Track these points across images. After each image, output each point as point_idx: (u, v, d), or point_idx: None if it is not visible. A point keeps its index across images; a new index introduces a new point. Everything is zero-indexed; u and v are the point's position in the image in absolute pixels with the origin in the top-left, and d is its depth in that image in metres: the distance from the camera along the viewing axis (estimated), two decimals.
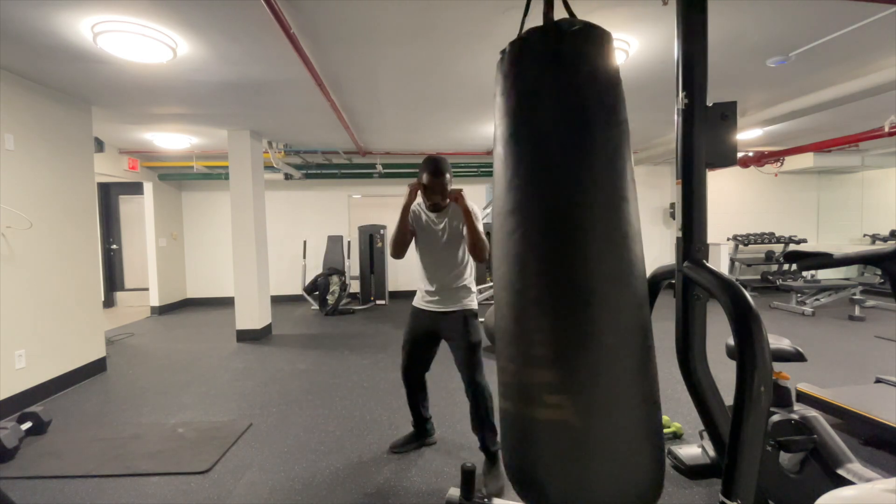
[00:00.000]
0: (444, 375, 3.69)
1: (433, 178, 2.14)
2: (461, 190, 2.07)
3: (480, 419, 2.18)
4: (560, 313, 0.84)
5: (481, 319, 5.33)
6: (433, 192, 2.15)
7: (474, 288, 2.31)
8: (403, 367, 2.38)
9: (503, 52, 1.03)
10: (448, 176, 2.17)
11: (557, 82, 0.91)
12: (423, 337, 2.31)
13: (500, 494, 2.01)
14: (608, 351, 0.81)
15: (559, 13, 1.08)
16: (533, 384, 0.83)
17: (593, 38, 0.94)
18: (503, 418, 0.95)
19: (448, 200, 2.20)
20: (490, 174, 7.24)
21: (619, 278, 0.86)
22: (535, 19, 1.07)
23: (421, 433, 2.53)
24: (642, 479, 0.80)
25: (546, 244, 0.87)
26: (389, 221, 7.66)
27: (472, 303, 2.27)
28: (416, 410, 2.47)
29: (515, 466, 0.88)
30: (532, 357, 0.84)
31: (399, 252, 2.23)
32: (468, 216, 2.07)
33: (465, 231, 2.14)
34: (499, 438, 2.16)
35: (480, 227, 2.11)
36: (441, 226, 2.23)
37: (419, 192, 2.17)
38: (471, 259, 2.25)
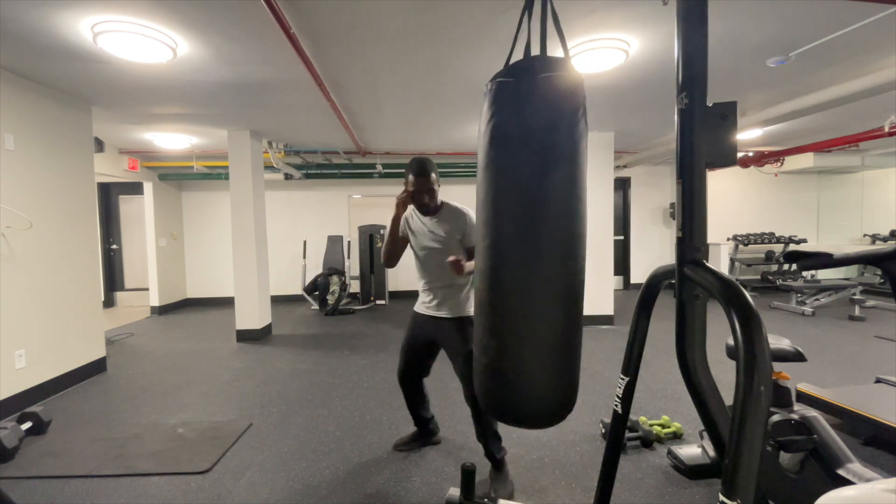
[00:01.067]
0: (444, 376, 3.69)
1: (418, 178, 2.09)
2: (460, 260, 1.97)
3: (483, 427, 2.12)
4: (503, 309, 1.15)
5: None
6: (420, 195, 2.10)
7: (469, 293, 2.22)
8: (400, 370, 2.35)
9: (488, 84, 1.18)
10: (434, 176, 2.12)
11: (525, 124, 1.09)
12: (421, 343, 2.27)
13: (509, 498, 2.00)
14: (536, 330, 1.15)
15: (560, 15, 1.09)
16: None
17: (562, 86, 1.11)
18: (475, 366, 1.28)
19: (439, 203, 2.17)
20: None
21: (557, 279, 1.12)
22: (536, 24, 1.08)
23: (424, 432, 2.51)
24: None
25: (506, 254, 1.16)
26: (389, 221, 7.65)
27: (470, 309, 2.16)
28: (416, 413, 2.45)
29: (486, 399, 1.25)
30: (493, 332, 1.19)
31: (390, 262, 2.24)
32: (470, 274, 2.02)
33: (462, 245, 2.13)
34: (503, 444, 2.16)
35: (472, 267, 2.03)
36: (435, 230, 2.17)
37: (407, 200, 2.13)
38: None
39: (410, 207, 2.23)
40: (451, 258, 1.97)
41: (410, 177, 2.10)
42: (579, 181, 1.13)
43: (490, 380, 1.20)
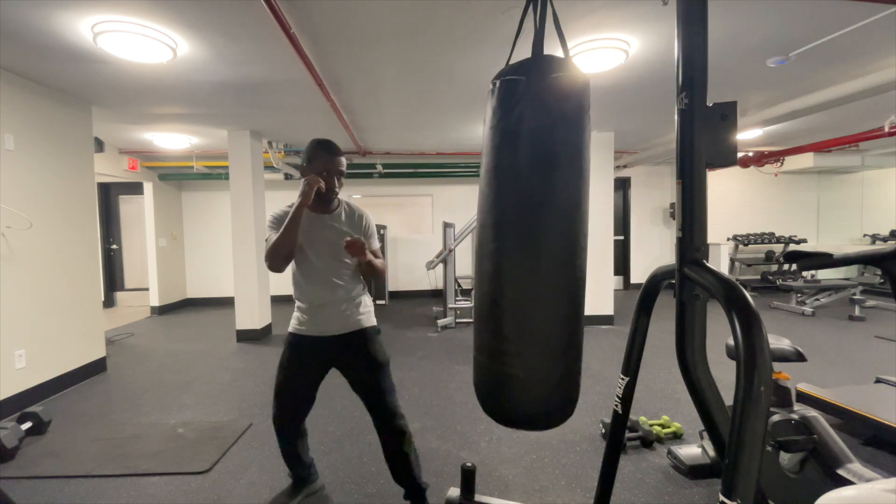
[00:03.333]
0: (443, 376, 3.69)
1: (334, 157, 1.76)
2: (361, 242, 1.71)
3: (413, 457, 1.85)
4: (514, 310, 1.14)
5: None
6: (332, 178, 1.76)
7: (369, 301, 1.95)
8: (281, 414, 1.88)
9: (493, 83, 1.17)
10: (343, 159, 1.80)
11: (532, 124, 1.09)
12: (315, 370, 1.87)
13: None
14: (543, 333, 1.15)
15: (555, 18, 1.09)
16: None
17: (571, 86, 1.11)
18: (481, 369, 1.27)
19: (337, 197, 1.84)
20: None
21: (560, 284, 1.13)
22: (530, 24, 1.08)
23: (306, 478, 2.08)
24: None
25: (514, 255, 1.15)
26: (390, 221, 7.67)
27: (371, 318, 1.90)
28: (298, 460, 2.00)
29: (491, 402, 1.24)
30: (496, 334, 1.18)
31: (282, 264, 1.75)
32: (371, 265, 1.79)
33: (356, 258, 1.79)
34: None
35: (378, 261, 1.83)
36: (337, 228, 1.82)
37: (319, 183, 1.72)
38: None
39: (290, 203, 1.81)
40: (348, 238, 1.70)
41: (324, 154, 1.75)
42: (585, 183, 1.13)
43: (493, 383, 1.20)
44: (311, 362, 1.87)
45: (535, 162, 1.09)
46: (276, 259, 1.73)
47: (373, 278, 1.91)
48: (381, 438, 1.85)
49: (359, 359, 1.84)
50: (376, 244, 1.93)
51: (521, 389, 1.15)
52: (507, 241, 1.14)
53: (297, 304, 1.91)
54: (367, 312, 1.90)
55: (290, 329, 1.92)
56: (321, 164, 1.75)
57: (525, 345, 1.14)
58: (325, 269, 1.82)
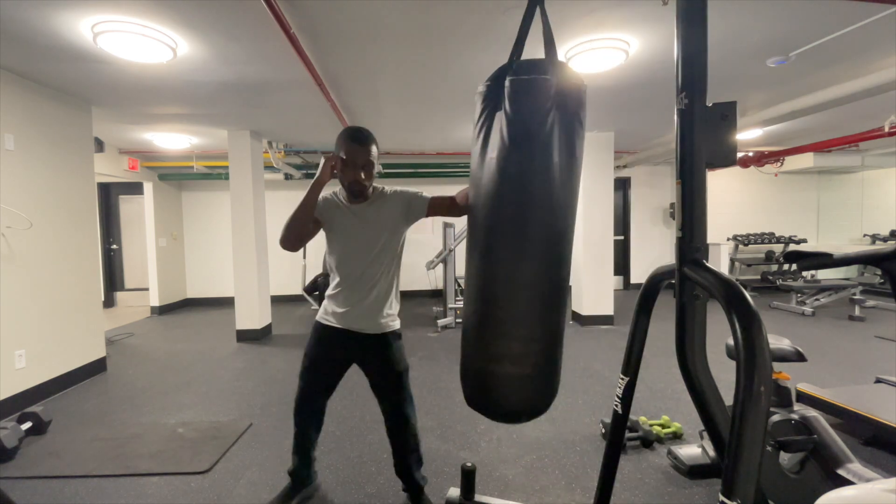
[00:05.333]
0: (443, 376, 3.69)
1: (357, 146, 1.66)
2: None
3: (417, 444, 1.92)
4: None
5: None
6: (356, 168, 1.67)
7: (398, 304, 1.90)
8: (302, 392, 1.92)
9: (486, 83, 1.23)
10: (375, 149, 1.71)
11: (527, 123, 1.14)
12: (332, 360, 1.88)
13: None
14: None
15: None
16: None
17: (563, 86, 1.16)
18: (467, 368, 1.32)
19: (371, 187, 1.76)
20: None
21: (545, 273, 1.20)
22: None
23: (302, 482, 2.04)
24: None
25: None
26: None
27: (396, 323, 1.87)
28: (306, 452, 1.99)
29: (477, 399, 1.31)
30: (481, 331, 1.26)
31: (295, 242, 1.71)
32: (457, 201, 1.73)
33: (406, 223, 1.79)
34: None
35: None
36: (368, 217, 1.76)
37: (335, 170, 1.69)
38: (398, 271, 1.85)
39: (334, 190, 1.82)
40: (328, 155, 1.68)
41: (346, 143, 1.67)
42: (577, 180, 1.19)
43: (480, 377, 1.26)
44: (333, 353, 1.87)
45: (561, 163, 1.14)
46: (289, 237, 1.70)
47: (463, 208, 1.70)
48: (390, 441, 1.92)
49: (378, 363, 1.85)
50: (427, 196, 1.83)
51: (509, 383, 1.21)
52: (503, 240, 1.19)
53: (329, 294, 1.87)
54: (391, 316, 1.86)
55: (318, 318, 1.90)
56: (345, 150, 1.69)
57: (510, 339, 1.19)
58: (358, 262, 1.77)
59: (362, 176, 1.70)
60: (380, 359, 1.84)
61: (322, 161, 1.69)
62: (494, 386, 1.24)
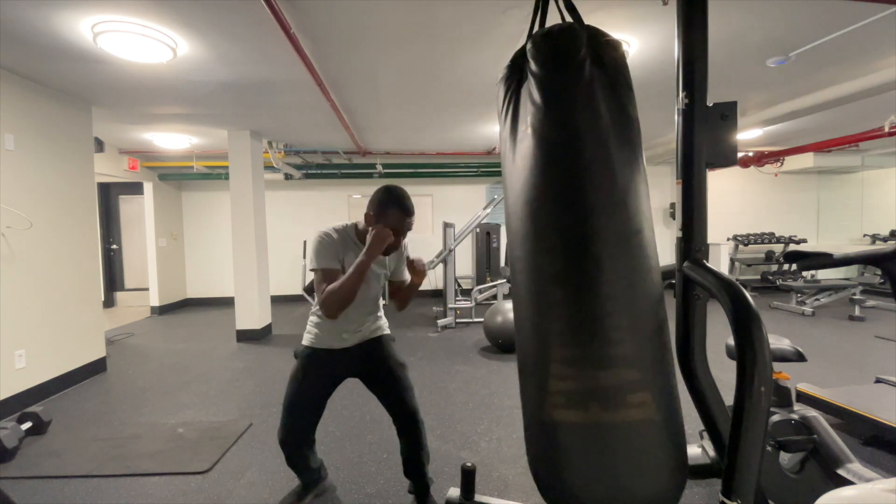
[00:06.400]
0: (443, 376, 3.69)
1: (406, 216, 1.68)
2: (422, 263, 1.79)
3: (424, 446, 1.90)
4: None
5: (479, 319, 5.34)
6: (398, 234, 1.70)
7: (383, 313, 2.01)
8: (292, 428, 1.82)
9: (527, 45, 1.04)
10: (413, 218, 1.75)
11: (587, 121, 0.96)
12: (323, 384, 1.86)
13: None
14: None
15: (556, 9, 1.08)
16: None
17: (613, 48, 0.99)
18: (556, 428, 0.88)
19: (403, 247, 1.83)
20: (491, 174, 7.23)
21: (634, 290, 0.92)
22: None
23: (313, 483, 2.06)
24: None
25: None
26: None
27: (387, 327, 1.99)
28: (305, 468, 1.97)
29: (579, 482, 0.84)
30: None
31: (340, 312, 1.65)
32: (417, 283, 1.83)
33: (397, 283, 1.92)
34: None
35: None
36: (384, 269, 1.87)
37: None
38: None
39: (342, 224, 1.81)
40: (413, 258, 1.78)
41: (399, 212, 1.65)
42: (636, 146, 1.04)
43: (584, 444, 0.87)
44: (326, 375, 1.85)
45: (613, 120, 0.96)
46: (335, 309, 1.63)
47: (408, 298, 1.94)
48: (401, 438, 1.89)
49: (380, 363, 1.87)
50: (401, 273, 1.96)
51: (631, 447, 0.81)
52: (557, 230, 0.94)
53: (318, 320, 1.84)
54: (384, 322, 1.98)
55: (307, 343, 1.86)
56: (392, 221, 1.65)
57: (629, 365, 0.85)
58: (360, 303, 1.76)
59: (402, 242, 1.78)
60: (380, 358, 1.88)
61: (372, 234, 1.61)
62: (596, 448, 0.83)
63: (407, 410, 1.85)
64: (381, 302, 1.98)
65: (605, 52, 0.96)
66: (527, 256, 0.96)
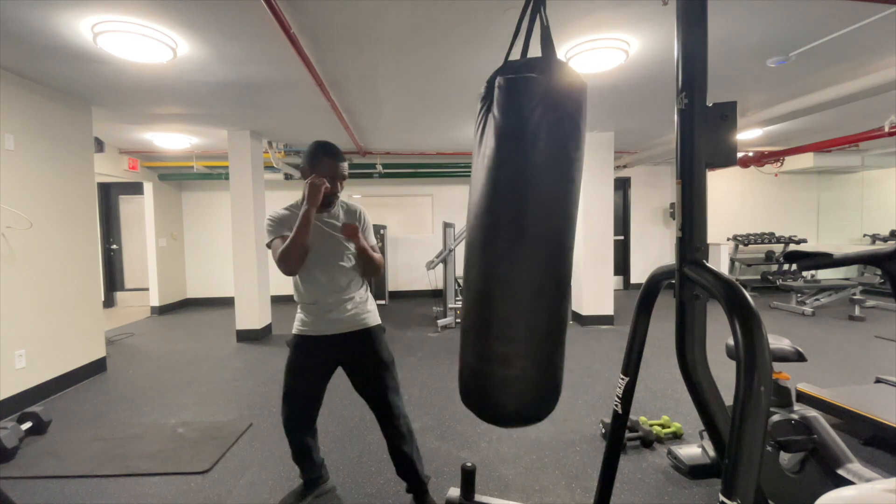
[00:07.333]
0: (443, 376, 3.69)
1: (339, 162, 1.79)
2: (355, 225, 1.82)
3: (414, 448, 1.92)
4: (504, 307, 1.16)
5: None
6: (333, 181, 1.79)
7: (373, 301, 2.00)
8: (288, 417, 1.89)
9: (495, 82, 1.16)
10: (346, 164, 1.85)
11: (548, 122, 1.10)
12: (315, 371, 1.88)
13: None
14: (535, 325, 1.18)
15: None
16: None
17: (571, 85, 1.12)
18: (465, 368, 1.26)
19: (339, 195, 1.86)
20: None
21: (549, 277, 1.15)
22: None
23: (315, 482, 2.06)
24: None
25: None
26: (390, 221, 7.67)
27: (377, 317, 1.97)
28: (310, 461, 1.99)
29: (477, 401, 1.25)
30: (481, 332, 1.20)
31: (297, 266, 1.73)
32: (365, 252, 1.83)
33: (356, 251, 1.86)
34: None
35: (375, 254, 1.88)
36: (334, 228, 1.85)
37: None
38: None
39: (288, 204, 1.90)
40: (345, 222, 1.80)
41: (328, 159, 1.78)
42: (571, 180, 1.14)
43: (479, 380, 1.20)
44: (317, 362, 1.89)
45: (550, 161, 1.10)
46: (291, 261, 1.71)
47: (372, 272, 1.93)
48: (384, 435, 1.91)
49: (364, 357, 1.88)
50: (372, 239, 1.96)
51: (507, 386, 1.17)
52: (504, 240, 1.14)
53: (301, 305, 1.93)
54: (371, 311, 1.96)
55: (295, 331, 1.93)
56: (325, 169, 1.77)
57: (511, 341, 1.14)
58: (326, 269, 1.84)
59: (339, 187, 1.83)
60: (366, 352, 1.88)
61: (308, 185, 1.70)
62: (489, 387, 1.21)
63: (387, 408, 1.86)
64: (365, 286, 1.97)
65: (562, 95, 1.11)
66: (466, 263, 1.26)
